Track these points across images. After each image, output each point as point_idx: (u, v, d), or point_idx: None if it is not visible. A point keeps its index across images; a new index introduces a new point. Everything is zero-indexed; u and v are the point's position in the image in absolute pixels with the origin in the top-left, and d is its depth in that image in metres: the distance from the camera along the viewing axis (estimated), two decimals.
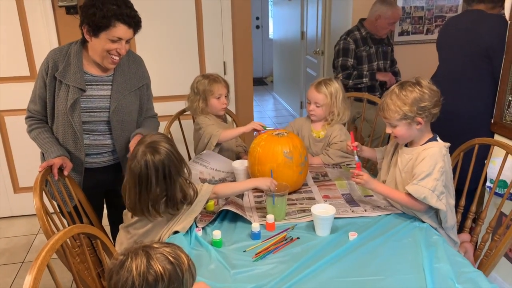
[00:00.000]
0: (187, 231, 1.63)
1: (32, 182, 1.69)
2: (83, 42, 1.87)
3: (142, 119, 2.07)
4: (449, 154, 1.69)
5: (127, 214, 1.71)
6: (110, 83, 1.92)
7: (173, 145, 1.60)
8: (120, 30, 1.78)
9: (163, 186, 1.54)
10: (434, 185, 1.60)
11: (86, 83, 1.86)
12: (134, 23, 1.80)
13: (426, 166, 1.62)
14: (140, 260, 0.96)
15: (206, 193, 1.65)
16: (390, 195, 1.71)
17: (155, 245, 1.00)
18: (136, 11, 1.82)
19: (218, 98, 2.28)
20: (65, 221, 1.84)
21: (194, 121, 2.69)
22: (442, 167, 1.62)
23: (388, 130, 1.73)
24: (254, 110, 3.57)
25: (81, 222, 1.89)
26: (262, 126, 2.11)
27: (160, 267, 0.95)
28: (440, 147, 1.66)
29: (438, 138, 1.72)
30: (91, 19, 1.74)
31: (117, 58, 1.84)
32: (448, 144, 1.70)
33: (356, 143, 1.89)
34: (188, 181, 1.62)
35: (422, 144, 1.71)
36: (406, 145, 1.78)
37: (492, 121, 2.28)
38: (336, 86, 2.21)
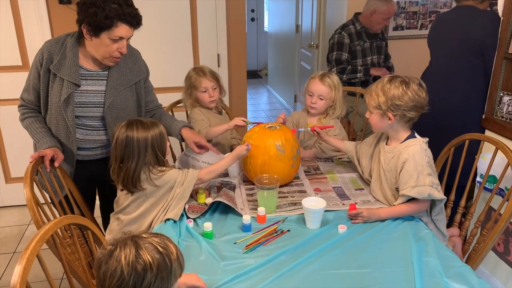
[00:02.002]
0: (175, 222, 1.64)
1: (24, 172, 1.69)
2: (80, 35, 1.83)
3: (145, 112, 2.06)
4: (429, 148, 1.71)
5: (117, 202, 1.72)
6: (105, 78, 1.89)
7: (164, 138, 1.66)
8: (122, 30, 1.74)
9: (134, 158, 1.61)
10: (430, 180, 1.63)
11: (81, 77, 1.84)
12: (136, 22, 1.77)
13: (412, 167, 1.64)
14: (129, 250, 0.96)
15: (192, 179, 1.68)
16: (396, 214, 1.69)
17: (144, 235, 1.01)
18: (137, 9, 1.78)
19: (204, 91, 2.26)
20: (56, 212, 1.83)
21: (187, 114, 2.69)
22: (428, 162, 1.66)
23: (367, 114, 1.78)
24: (248, 103, 3.56)
25: (73, 213, 1.88)
26: (244, 121, 2.11)
27: (149, 257, 0.96)
28: (420, 143, 1.69)
29: (416, 135, 1.75)
30: (92, 19, 1.69)
31: (118, 57, 1.83)
32: (426, 139, 1.73)
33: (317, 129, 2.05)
34: (149, 173, 1.64)
35: (402, 142, 1.73)
36: (386, 143, 1.80)
37: (483, 117, 2.30)
38: (337, 79, 2.22)
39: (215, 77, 2.29)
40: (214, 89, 2.27)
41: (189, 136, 2.01)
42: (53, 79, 1.82)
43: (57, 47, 1.82)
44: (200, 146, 2.01)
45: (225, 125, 2.17)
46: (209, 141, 2.22)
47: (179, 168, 1.80)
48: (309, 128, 2.10)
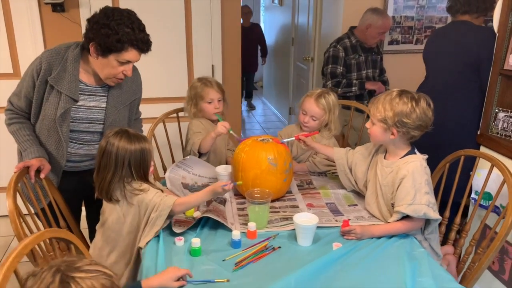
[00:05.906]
0: (159, 240, 1.58)
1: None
2: (82, 49, 1.79)
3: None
4: (428, 166, 1.68)
5: (103, 213, 1.67)
6: (105, 95, 1.86)
7: (147, 151, 1.60)
8: (132, 54, 1.72)
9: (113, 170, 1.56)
10: (427, 198, 1.60)
11: (79, 92, 1.79)
12: (146, 48, 1.75)
13: (410, 184, 1.61)
14: (44, 282, 0.88)
15: (167, 207, 1.57)
16: (390, 232, 1.65)
17: (77, 274, 0.90)
18: (148, 35, 1.76)
19: (210, 102, 2.23)
20: (40, 224, 1.78)
21: (179, 124, 2.65)
22: (427, 180, 1.62)
23: (368, 124, 1.73)
24: (242, 115, 3.53)
25: (58, 225, 1.83)
26: (226, 128, 2.07)
27: None
28: (419, 160, 1.66)
29: (416, 151, 1.71)
30: (103, 40, 1.66)
31: (122, 79, 1.80)
32: (426, 156, 1.69)
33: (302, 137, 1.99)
34: (124, 187, 1.58)
35: (402, 157, 1.69)
36: (384, 157, 1.77)
37: (478, 133, 2.28)
38: (334, 100, 2.17)
39: (222, 89, 2.27)
40: (219, 101, 2.25)
41: None
42: (49, 91, 1.77)
43: (57, 59, 1.77)
44: None
45: (211, 134, 2.11)
46: (205, 154, 2.18)
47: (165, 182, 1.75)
48: (293, 138, 2.05)
